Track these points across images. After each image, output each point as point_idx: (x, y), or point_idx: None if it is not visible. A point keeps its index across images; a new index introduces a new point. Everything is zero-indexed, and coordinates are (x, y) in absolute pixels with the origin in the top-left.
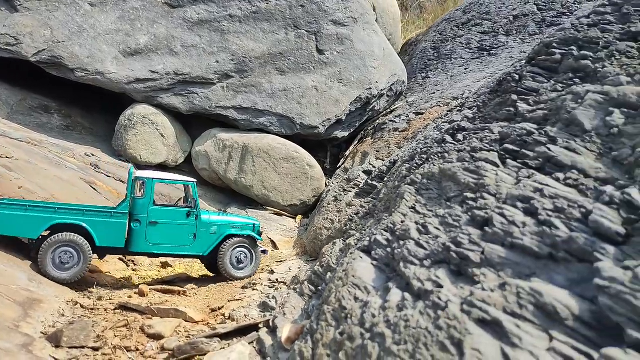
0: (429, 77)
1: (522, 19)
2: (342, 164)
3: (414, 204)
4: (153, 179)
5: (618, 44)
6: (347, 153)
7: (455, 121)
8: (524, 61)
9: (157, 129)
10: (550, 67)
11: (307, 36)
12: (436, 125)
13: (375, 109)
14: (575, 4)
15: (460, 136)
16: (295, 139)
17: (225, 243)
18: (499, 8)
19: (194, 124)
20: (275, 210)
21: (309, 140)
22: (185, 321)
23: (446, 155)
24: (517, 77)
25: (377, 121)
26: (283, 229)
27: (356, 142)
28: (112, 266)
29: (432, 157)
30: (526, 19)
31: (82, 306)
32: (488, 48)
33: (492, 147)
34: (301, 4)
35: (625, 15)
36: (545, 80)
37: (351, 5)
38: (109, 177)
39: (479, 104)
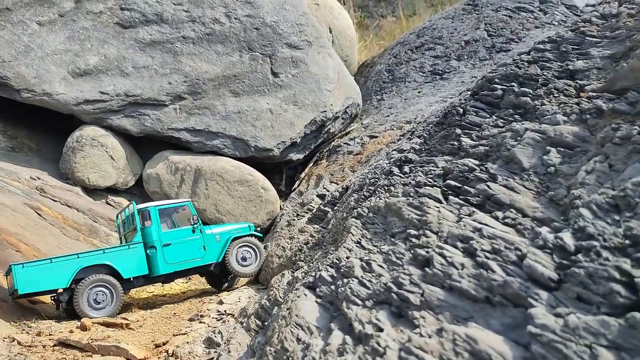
0: (384, 100)
1: (473, 44)
2: (297, 186)
3: (359, 239)
4: (156, 207)
5: (556, 81)
6: (302, 175)
7: (404, 150)
8: (468, 94)
9: (107, 151)
10: (493, 102)
11: (261, 59)
12: (387, 152)
13: (330, 131)
14: (523, 30)
15: (406, 168)
16: (249, 161)
17: (230, 245)
18: (451, 33)
19: (145, 145)
20: None
21: (263, 162)
22: (127, 359)
23: (392, 188)
24: (461, 110)
25: (332, 143)
26: None
27: (311, 164)
28: None
29: (379, 189)
30: (477, 45)
31: (19, 343)
32: (440, 72)
33: (435, 183)
34: (255, 26)
35: (564, 53)
36: (488, 115)
37: (306, 28)
38: (55, 201)
39: (425, 135)
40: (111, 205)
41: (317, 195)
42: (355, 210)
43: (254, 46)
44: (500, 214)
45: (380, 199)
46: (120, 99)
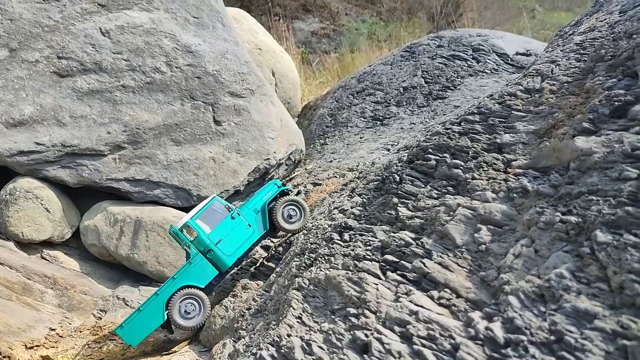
0: (327, 144)
1: (411, 90)
2: None
3: (300, 313)
4: (192, 218)
5: (485, 154)
6: None
7: (345, 211)
8: (405, 156)
9: (42, 204)
10: (427, 172)
11: (203, 107)
12: (329, 206)
13: (274, 178)
14: (458, 78)
15: (346, 236)
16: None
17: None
18: (390, 79)
19: (83, 196)
20: None
21: None
22: None
23: (332, 259)
24: (397, 178)
25: None
26: None
27: None
28: None
29: (320, 258)
30: (415, 91)
31: None
32: (381, 118)
33: (374, 257)
34: (197, 75)
35: (492, 126)
36: (423, 185)
37: (248, 77)
38: None
39: (365, 199)
40: (46, 259)
41: (261, 246)
42: (296, 280)
43: (195, 95)
44: (435, 294)
45: (321, 270)
46: (56, 149)
